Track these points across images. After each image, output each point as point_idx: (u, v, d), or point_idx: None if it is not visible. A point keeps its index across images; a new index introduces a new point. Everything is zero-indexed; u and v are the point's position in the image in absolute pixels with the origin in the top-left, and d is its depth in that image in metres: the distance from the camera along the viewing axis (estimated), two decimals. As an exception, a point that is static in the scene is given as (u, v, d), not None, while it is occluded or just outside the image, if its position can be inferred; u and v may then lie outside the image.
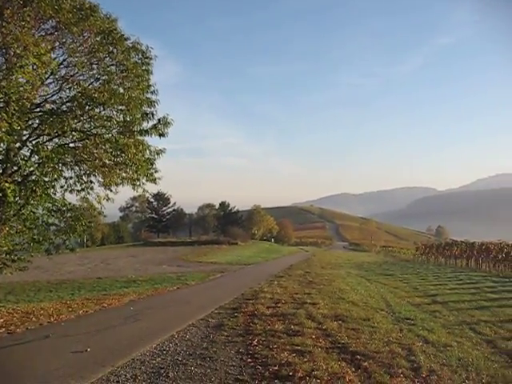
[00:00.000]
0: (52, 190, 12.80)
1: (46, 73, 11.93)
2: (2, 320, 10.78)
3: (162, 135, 14.11)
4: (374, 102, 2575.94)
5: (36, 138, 12.78)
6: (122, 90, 13.51)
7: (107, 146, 13.35)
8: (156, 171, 14.71)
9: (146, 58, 14.20)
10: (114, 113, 13.65)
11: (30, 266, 13.38)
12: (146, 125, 14.00)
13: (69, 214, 13.45)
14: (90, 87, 12.99)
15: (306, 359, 7.34)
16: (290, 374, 6.59)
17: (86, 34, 12.99)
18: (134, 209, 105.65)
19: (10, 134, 10.40)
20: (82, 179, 13.96)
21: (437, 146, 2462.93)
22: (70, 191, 13.76)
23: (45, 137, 12.95)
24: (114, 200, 14.60)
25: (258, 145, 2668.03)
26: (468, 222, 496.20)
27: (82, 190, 13.96)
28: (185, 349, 8.18)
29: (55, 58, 12.53)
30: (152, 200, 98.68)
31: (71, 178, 13.75)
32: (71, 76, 13.05)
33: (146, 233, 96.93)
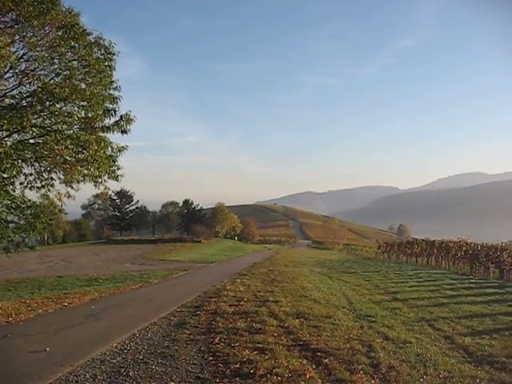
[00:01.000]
0: (11, 186, 12.57)
1: (5, 67, 11.68)
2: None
3: (124, 132, 13.95)
4: (339, 102, 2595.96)
5: (-6, 134, 12.53)
6: (83, 86, 13.32)
7: (68, 143, 13.13)
8: (118, 168, 14.54)
9: (109, 53, 14.02)
10: (76, 109, 13.45)
11: (-12, 264, 13.13)
12: (108, 121, 13.84)
13: (29, 212, 13.20)
14: (50, 82, 12.76)
15: (267, 357, 7.36)
16: (252, 371, 6.60)
17: (47, 28, 12.74)
18: (96, 206, 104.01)
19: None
20: (43, 176, 13.73)
21: (399, 145, 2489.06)
22: (30, 188, 13.53)
23: (3, 132, 12.67)
24: (75, 197, 14.41)
25: (222, 143, 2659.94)
26: (429, 221, 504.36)
27: (43, 186, 13.73)
28: (146, 347, 8.13)
29: (15, 52, 12.28)
30: (115, 197, 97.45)
31: (31, 174, 13.51)
32: (31, 70, 12.78)
33: (109, 231, 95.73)
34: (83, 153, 13.30)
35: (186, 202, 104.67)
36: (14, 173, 12.35)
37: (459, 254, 31.36)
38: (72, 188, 14.21)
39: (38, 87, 12.44)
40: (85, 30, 13.35)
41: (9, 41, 11.64)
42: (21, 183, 13.23)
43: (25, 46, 12.76)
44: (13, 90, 12.76)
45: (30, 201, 13.17)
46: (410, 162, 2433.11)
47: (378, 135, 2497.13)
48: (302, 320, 10.63)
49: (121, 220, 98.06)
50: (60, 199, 13.90)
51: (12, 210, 12.95)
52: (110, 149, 13.89)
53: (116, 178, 14.58)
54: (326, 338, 8.83)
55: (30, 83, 12.77)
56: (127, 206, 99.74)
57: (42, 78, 12.75)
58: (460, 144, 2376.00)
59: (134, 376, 6.50)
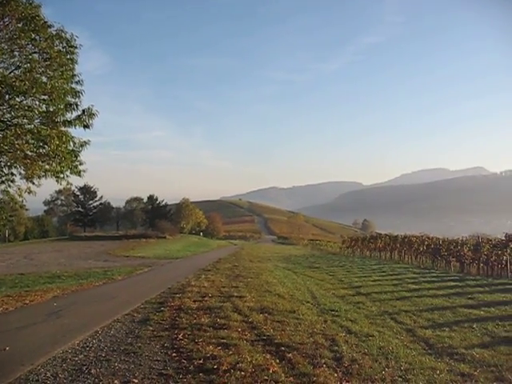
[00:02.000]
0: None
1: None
2: None
3: (86, 126, 13.79)
4: (304, 98, 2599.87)
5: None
6: (44, 79, 13.12)
7: (29, 137, 12.93)
8: (81, 163, 14.38)
9: (71, 46, 13.83)
10: (37, 102, 13.24)
11: None
12: (70, 116, 13.67)
13: (-13, 208, 12.96)
14: (10, 75, 12.53)
15: (231, 352, 7.35)
16: (215, 367, 6.58)
17: (6, 20, 12.50)
18: (59, 202, 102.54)
19: None
20: (3, 171, 13.48)
21: (363, 141, 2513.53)
22: (-11, 183, 13.28)
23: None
24: (36, 193, 14.17)
25: (187, 138, 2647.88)
26: (393, 216, 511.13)
27: (3, 182, 13.49)
28: (109, 345, 8.03)
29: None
30: (78, 193, 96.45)
31: (-10, 169, 13.26)
32: (-10, 63, 12.54)
33: (72, 227, 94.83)
34: (44, 147, 13.11)
35: (150, 197, 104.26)
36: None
37: (421, 249, 31.87)
38: (33, 183, 13.99)
39: (-3, 80, 12.20)
40: (46, 22, 13.15)
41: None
42: (-21, 179, 12.98)
43: (-17, 38, 12.51)
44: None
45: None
46: (374, 157, 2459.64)
47: (341, 130, 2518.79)
48: (266, 315, 10.66)
49: (84, 216, 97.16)
50: (21, 195, 13.67)
51: (-30, 206, 12.70)
52: (71, 144, 13.72)
53: (78, 174, 14.40)
54: (289, 333, 8.87)
55: (-12, 76, 12.51)
56: (91, 201, 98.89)
57: (1, 70, 12.51)
58: (422, 141, 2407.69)
59: (96, 374, 6.41)
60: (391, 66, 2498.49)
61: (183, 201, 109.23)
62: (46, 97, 12.96)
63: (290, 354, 7.37)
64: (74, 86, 13.94)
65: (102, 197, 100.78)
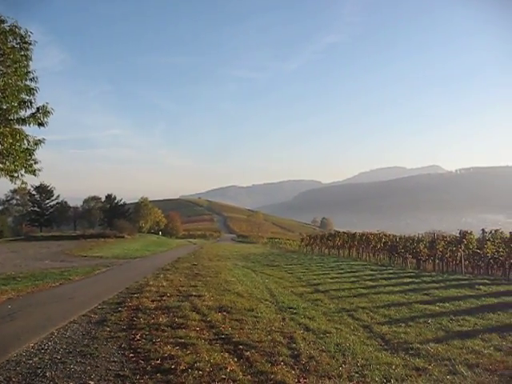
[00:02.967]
0: None
1: None
2: None
3: (41, 124, 13.56)
4: (264, 96, 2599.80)
5: None
6: (-3, 76, 12.83)
7: (-19, 135, 12.62)
8: (36, 162, 14.12)
9: (25, 42, 13.57)
10: (-12, 100, 12.94)
11: None
12: (24, 113, 13.40)
13: None
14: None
15: (189, 351, 7.34)
16: (173, 367, 6.56)
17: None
18: (14, 202, 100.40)
19: None
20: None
21: (321, 139, 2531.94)
22: None
23: None
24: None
25: (146, 136, 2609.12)
26: (351, 214, 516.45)
27: (-46, 181, 13.14)
28: (64, 347, 7.91)
29: None
30: (34, 192, 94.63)
31: None
32: None
33: (28, 227, 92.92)
34: (-3, 146, 12.82)
35: (108, 196, 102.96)
36: None
37: (379, 246, 32.38)
38: (-14, 183, 13.67)
39: None
40: (-1, 17, 12.86)
41: None
42: None
43: None
44: None
45: None
46: (333, 156, 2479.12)
47: (301, 129, 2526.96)
48: (225, 314, 10.67)
49: (40, 216, 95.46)
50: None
51: None
52: (26, 142, 13.46)
53: (33, 173, 14.14)
54: (248, 331, 8.91)
55: None
56: (47, 201, 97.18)
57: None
58: (380, 139, 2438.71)
59: (51, 376, 6.31)
60: (350, 65, 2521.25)
61: (142, 200, 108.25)
62: (-2, 94, 12.70)
63: (248, 353, 7.40)
64: (28, 83, 13.69)
65: (58, 196, 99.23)
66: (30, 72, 13.86)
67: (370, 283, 17.58)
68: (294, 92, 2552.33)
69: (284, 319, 10.55)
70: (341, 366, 6.98)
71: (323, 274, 21.79)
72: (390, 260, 30.59)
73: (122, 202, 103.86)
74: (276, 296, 14.40)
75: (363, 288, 16.33)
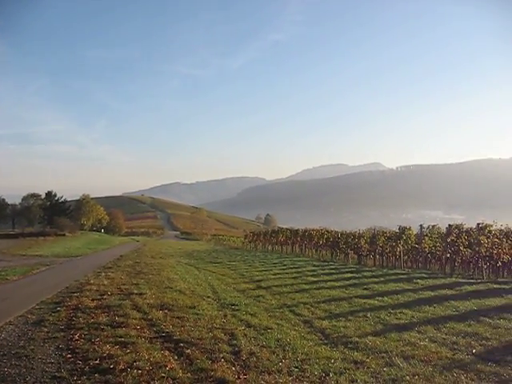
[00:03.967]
0: None
1: None
2: None
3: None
4: (208, 93, 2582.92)
5: None
6: None
7: None
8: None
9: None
10: None
11: None
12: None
13: None
14: None
15: (128, 350, 7.26)
16: (112, 366, 6.47)
17: None
18: None
19: None
20: None
21: (266, 136, 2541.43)
22: None
23: None
24: None
25: (88, 132, 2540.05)
26: (295, 210, 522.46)
27: None
28: (-1, 349, 7.70)
29: None
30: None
31: None
32: None
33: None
34: None
35: (48, 193, 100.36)
36: None
37: (321, 242, 32.82)
38: None
39: None
40: None
41: None
42: None
43: None
44: None
45: None
46: (276, 153, 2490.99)
47: (245, 126, 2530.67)
48: (166, 311, 10.61)
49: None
50: None
51: None
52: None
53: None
54: (189, 329, 8.88)
55: None
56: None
57: None
58: (322, 136, 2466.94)
59: (-17, 381, 6.13)
60: (292, 62, 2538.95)
61: (83, 197, 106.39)
62: None
63: (189, 350, 7.38)
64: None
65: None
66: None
67: (312, 279, 17.77)
68: (238, 89, 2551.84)
69: (226, 316, 10.55)
70: (281, 362, 7.03)
71: (266, 270, 21.91)
72: (332, 255, 31.09)
73: (62, 200, 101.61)
74: (218, 293, 14.39)
75: (305, 283, 16.50)
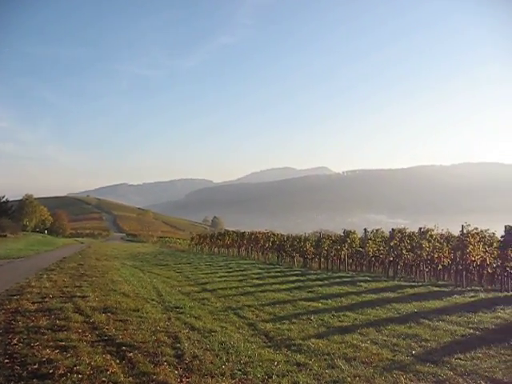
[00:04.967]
0: None
1: None
2: None
3: None
4: (157, 94, 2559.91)
5: None
6: None
7: None
8: None
9: None
10: None
11: None
12: None
13: None
14: None
15: (69, 355, 7.11)
16: (51, 371, 6.31)
17: None
18: None
19: None
20: None
21: (214, 139, 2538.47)
22: None
23: None
24: None
25: (32, 131, 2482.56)
26: (242, 213, 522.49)
27: None
28: None
29: None
30: None
31: None
32: None
33: None
34: None
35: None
36: None
37: (267, 245, 32.95)
38: None
39: None
40: None
41: None
42: None
43: None
44: None
45: None
46: (224, 155, 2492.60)
47: (193, 128, 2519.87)
48: (109, 314, 10.45)
49: None
50: None
51: None
52: None
53: None
54: (132, 332, 8.77)
55: None
56: None
57: None
58: (270, 140, 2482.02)
59: None
60: (241, 64, 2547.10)
61: (26, 197, 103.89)
62: None
63: (131, 354, 7.29)
64: None
65: None
66: None
67: (257, 282, 17.87)
68: (188, 91, 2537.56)
69: (170, 319, 10.48)
70: (224, 364, 7.03)
71: (212, 272, 21.87)
72: (278, 259, 31.28)
73: (4, 199, 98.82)
74: (163, 295, 14.27)
75: (250, 286, 16.57)
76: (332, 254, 25.67)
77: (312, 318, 10.80)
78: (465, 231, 17.10)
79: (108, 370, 6.41)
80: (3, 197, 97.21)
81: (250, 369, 6.87)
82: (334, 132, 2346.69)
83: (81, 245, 63.51)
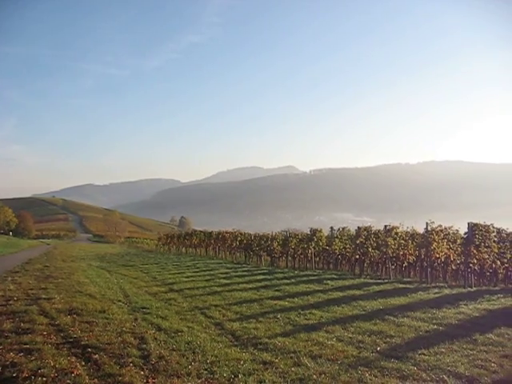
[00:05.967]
0: None
1: None
2: None
3: None
4: (122, 94, 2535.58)
5: None
6: None
7: None
8: None
9: None
10: None
11: None
12: None
13: None
14: None
15: (33, 357, 7.04)
16: (14, 375, 6.25)
17: None
18: None
19: None
20: None
21: (181, 139, 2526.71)
22: None
23: None
24: None
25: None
26: (210, 213, 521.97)
27: None
28: None
29: None
30: None
31: None
32: None
33: None
34: None
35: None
36: None
37: (234, 244, 33.03)
38: None
39: None
40: None
41: None
42: None
43: None
44: None
45: None
46: (191, 155, 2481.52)
47: (159, 128, 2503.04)
48: (75, 316, 10.35)
49: None
50: None
51: None
52: None
53: None
54: (97, 333, 8.71)
55: None
56: None
57: None
58: (236, 139, 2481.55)
59: None
60: (208, 64, 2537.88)
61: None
62: None
63: (97, 355, 7.26)
64: None
65: None
66: None
67: (225, 281, 17.91)
68: (153, 91, 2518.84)
69: (136, 320, 10.45)
70: (190, 364, 7.06)
71: (179, 273, 21.83)
72: (245, 258, 31.35)
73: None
74: (130, 296, 14.20)
75: (217, 286, 16.60)
76: (299, 253, 25.82)
77: (279, 316, 10.90)
78: (429, 228, 17.39)
79: (73, 373, 6.38)
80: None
81: (216, 368, 6.91)
82: (301, 131, 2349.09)
83: (47, 246, 62.60)
